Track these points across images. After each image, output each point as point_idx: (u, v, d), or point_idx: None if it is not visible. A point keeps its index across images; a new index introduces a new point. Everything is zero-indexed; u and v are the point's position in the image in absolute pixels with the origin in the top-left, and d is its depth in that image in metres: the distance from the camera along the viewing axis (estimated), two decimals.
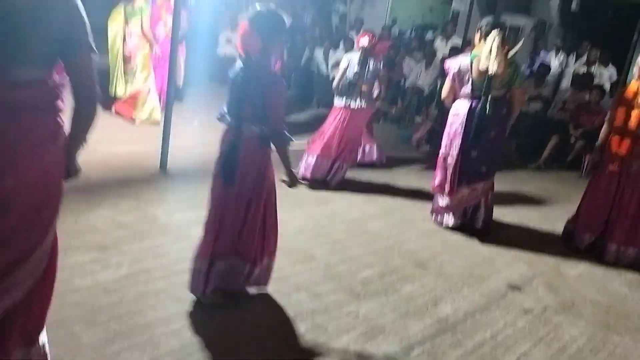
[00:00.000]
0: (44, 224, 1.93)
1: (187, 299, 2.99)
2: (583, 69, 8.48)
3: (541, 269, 4.17)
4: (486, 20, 4.46)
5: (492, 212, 4.80)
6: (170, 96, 5.20)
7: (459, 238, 4.56)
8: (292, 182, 3.01)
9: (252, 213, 2.90)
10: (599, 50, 8.64)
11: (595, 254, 4.54)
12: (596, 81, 7.96)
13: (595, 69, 8.43)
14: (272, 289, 3.23)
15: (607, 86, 7.96)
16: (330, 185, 5.35)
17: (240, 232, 2.93)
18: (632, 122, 4.25)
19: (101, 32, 6.40)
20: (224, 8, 12.04)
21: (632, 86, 4.33)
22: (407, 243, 4.32)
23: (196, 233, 3.81)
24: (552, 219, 5.29)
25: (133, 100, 6.59)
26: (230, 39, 11.54)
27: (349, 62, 5.44)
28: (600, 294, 3.88)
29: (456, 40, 9.41)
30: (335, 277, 3.56)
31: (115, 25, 6.57)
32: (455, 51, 7.95)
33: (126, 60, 6.65)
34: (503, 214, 5.26)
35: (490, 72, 4.19)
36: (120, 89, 6.68)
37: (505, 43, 4.30)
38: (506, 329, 3.23)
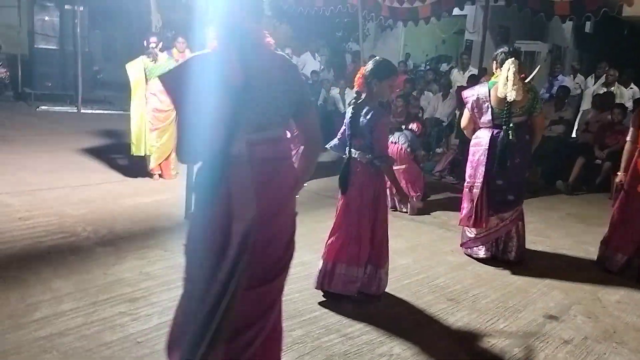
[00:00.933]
0: (288, 258, 2.26)
1: None
2: (603, 90, 8.41)
3: (578, 296, 4.04)
4: (501, 49, 4.48)
5: (525, 241, 4.70)
6: None
7: (490, 269, 4.46)
8: (402, 197, 3.94)
9: (377, 226, 3.61)
10: (617, 69, 8.57)
11: (631, 276, 4.41)
12: (617, 101, 7.87)
13: (615, 88, 8.35)
14: (302, 332, 3.18)
15: (630, 105, 7.86)
16: None
17: (371, 241, 3.60)
18: None
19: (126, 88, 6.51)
20: None
21: None
22: (437, 277, 4.23)
23: None
24: (585, 244, 5.16)
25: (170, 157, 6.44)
26: None
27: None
28: None
29: (473, 71, 9.45)
30: (365, 317, 3.49)
31: (135, 75, 6.37)
32: (473, 79, 7.98)
33: (149, 120, 6.40)
34: (534, 241, 5.16)
35: (509, 99, 4.20)
36: (141, 147, 6.43)
37: (522, 69, 4.31)
38: None
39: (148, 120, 6.41)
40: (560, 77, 9.84)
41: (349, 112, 3.56)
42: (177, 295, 3.51)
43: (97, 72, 17.20)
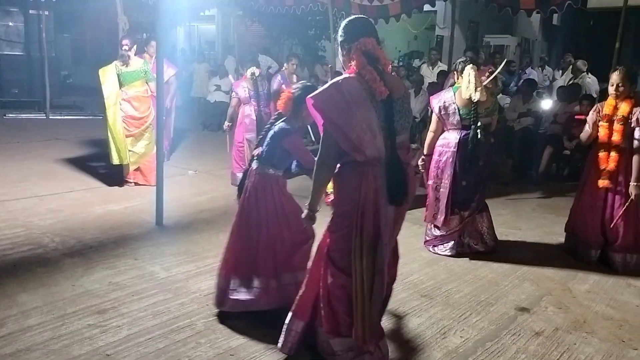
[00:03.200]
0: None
1: (191, 357, 2.93)
2: (570, 81, 8.54)
3: (548, 287, 4.09)
4: (460, 59, 4.77)
5: (494, 231, 4.82)
6: (161, 149, 5.22)
7: (462, 264, 4.50)
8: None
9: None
10: (582, 60, 8.71)
11: (603, 265, 4.52)
12: (585, 92, 7.99)
13: (580, 80, 8.48)
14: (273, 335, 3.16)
15: (596, 95, 8.00)
16: None
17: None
18: (616, 136, 4.35)
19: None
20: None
21: (610, 102, 4.43)
22: (411, 274, 4.25)
23: (196, 286, 3.80)
24: (555, 234, 5.24)
25: (151, 165, 6.19)
26: (219, 85, 11.72)
27: None
28: (612, 308, 3.79)
29: (442, 66, 9.51)
30: None
31: (109, 85, 6.12)
32: (442, 76, 8.03)
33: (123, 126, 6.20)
34: (505, 233, 5.22)
35: (474, 99, 4.42)
36: (123, 155, 6.18)
37: (486, 63, 4.49)
38: (518, 355, 3.15)
39: (124, 127, 6.22)
40: (528, 70, 9.96)
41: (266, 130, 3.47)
42: (148, 305, 3.50)
43: (66, 77, 16.94)
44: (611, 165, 4.39)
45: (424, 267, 4.42)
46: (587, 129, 4.60)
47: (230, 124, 6.81)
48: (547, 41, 13.17)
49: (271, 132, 3.40)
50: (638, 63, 11.44)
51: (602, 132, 4.44)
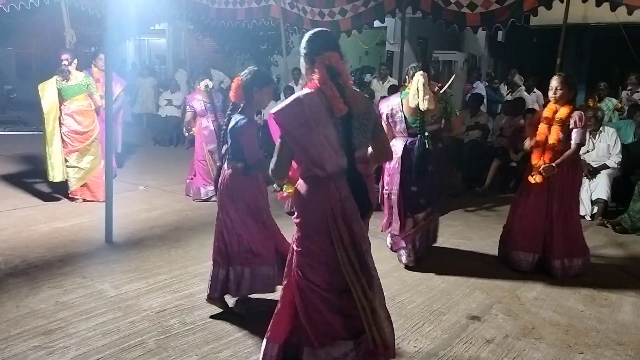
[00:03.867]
0: None
1: None
2: (508, 95, 8.86)
3: (498, 296, 4.19)
4: (412, 64, 4.75)
5: (438, 225, 4.97)
6: (110, 165, 5.10)
7: (415, 275, 4.55)
8: None
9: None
10: (519, 76, 9.06)
11: (546, 273, 4.61)
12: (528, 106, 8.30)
13: (518, 93, 8.81)
14: (230, 352, 3.12)
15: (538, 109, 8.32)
16: None
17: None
18: (553, 137, 4.48)
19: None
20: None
21: (550, 106, 4.55)
22: None
23: (147, 304, 3.72)
24: None
25: (98, 180, 6.13)
26: (170, 100, 11.57)
27: None
28: (558, 314, 3.92)
29: (392, 81, 9.69)
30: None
31: (49, 99, 6.00)
32: (393, 90, 8.18)
33: (66, 142, 6.12)
34: (456, 244, 5.33)
35: (421, 108, 4.44)
36: (59, 172, 6.06)
37: (435, 78, 4.53)
38: None
39: (67, 143, 6.11)
40: (476, 83, 10.27)
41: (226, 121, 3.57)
42: (97, 324, 3.39)
43: (10, 92, 16.36)
44: (541, 162, 4.47)
45: None
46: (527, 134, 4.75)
47: (192, 131, 6.78)
48: (493, 57, 13.63)
49: (230, 127, 3.46)
50: (578, 78, 11.99)
51: (541, 132, 4.53)
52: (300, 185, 2.65)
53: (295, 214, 2.68)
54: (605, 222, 6.17)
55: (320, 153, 2.50)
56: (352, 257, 2.60)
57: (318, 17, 8.52)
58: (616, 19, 6.94)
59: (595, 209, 6.39)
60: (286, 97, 8.25)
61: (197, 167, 6.74)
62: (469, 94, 9.73)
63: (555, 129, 4.45)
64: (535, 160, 4.55)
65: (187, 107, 6.82)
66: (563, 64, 6.66)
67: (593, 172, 6.46)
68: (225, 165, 3.56)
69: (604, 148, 6.54)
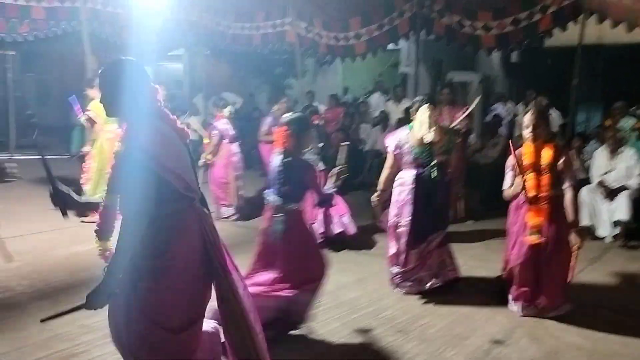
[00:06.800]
0: None
1: None
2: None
3: (521, 320, 4.15)
4: (418, 97, 4.85)
5: (455, 262, 4.78)
6: None
7: (436, 298, 4.52)
8: None
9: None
10: (542, 96, 9.06)
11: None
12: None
13: None
14: None
15: (556, 129, 8.30)
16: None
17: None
18: (546, 188, 4.01)
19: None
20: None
21: (528, 149, 4.06)
22: (385, 309, 4.27)
23: None
24: None
25: None
26: (188, 124, 11.70)
27: None
28: (582, 338, 3.87)
29: (407, 103, 9.74)
30: (314, 355, 3.46)
31: (101, 119, 6.24)
32: (408, 111, 8.22)
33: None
34: (476, 267, 5.29)
35: (426, 141, 4.49)
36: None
37: (452, 101, 4.56)
38: None
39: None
40: (495, 105, 10.30)
41: (278, 168, 3.68)
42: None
43: (30, 116, 16.66)
44: (539, 220, 4.01)
45: (398, 301, 4.45)
46: (508, 182, 4.24)
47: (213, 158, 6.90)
48: (506, 78, 13.64)
49: (289, 170, 3.61)
50: (593, 98, 11.98)
51: (531, 186, 4.01)
52: (172, 218, 2.44)
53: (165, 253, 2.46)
54: (626, 243, 6.10)
55: (189, 177, 2.50)
56: (230, 288, 2.59)
57: (333, 41, 8.64)
58: (632, 39, 6.95)
59: (617, 231, 6.32)
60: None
61: (217, 189, 6.91)
62: (487, 115, 9.75)
63: (546, 177, 3.99)
64: (533, 219, 4.02)
65: (214, 132, 6.92)
66: (578, 84, 6.68)
67: (612, 193, 6.40)
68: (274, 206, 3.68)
69: (623, 169, 6.49)
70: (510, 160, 4.18)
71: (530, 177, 4.00)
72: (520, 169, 4.04)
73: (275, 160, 3.72)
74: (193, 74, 17.84)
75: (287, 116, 3.81)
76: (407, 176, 4.64)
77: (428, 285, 4.62)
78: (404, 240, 4.60)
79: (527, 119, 3.99)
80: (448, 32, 7.76)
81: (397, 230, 4.65)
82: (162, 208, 2.39)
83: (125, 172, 2.36)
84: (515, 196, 4.23)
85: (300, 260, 3.66)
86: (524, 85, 11.47)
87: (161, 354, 2.45)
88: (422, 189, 4.54)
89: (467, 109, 4.88)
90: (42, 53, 15.38)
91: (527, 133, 4.02)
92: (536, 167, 4.01)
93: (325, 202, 3.88)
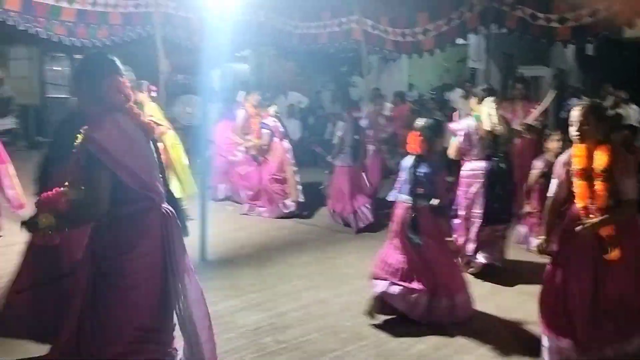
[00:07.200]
0: None
1: None
2: (611, 112, 8.42)
3: None
4: (480, 87, 5.06)
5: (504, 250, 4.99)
6: (205, 185, 5.32)
7: (510, 299, 4.40)
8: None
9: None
10: (621, 90, 8.62)
11: None
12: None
13: (623, 110, 8.37)
14: None
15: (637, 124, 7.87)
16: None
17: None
18: (601, 198, 3.13)
19: None
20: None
21: (578, 151, 3.25)
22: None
23: (242, 321, 3.82)
24: None
25: None
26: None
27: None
28: None
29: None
30: (387, 355, 3.45)
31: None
32: None
33: None
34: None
35: (497, 133, 4.66)
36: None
37: (525, 96, 4.64)
38: None
39: None
40: (571, 100, 9.92)
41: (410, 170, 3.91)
42: None
43: None
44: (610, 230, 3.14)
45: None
46: (554, 189, 3.41)
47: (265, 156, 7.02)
48: (582, 71, 13.07)
49: (425, 172, 3.81)
50: None
51: (582, 194, 3.21)
52: (131, 219, 2.44)
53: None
54: None
55: (148, 174, 2.46)
56: (184, 288, 2.55)
57: (400, 38, 8.54)
58: None
59: None
60: (369, 118, 8.28)
61: (272, 186, 6.93)
62: (563, 111, 9.39)
63: (600, 185, 3.13)
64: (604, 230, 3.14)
65: (264, 130, 6.99)
66: None
67: None
68: (412, 205, 3.83)
69: None
70: (559, 163, 3.43)
71: (581, 184, 3.22)
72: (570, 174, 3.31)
73: (407, 162, 3.94)
74: (259, 74, 18.17)
75: (420, 122, 3.97)
76: (478, 168, 4.76)
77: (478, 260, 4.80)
78: (474, 231, 4.76)
79: (574, 115, 3.24)
80: (520, 25, 7.48)
81: (468, 221, 4.80)
82: (123, 208, 2.41)
83: (82, 166, 2.37)
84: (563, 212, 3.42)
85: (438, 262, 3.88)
86: (600, 78, 10.94)
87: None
88: (492, 180, 4.68)
89: (542, 104, 4.86)
90: (118, 57, 16.11)
91: (573, 131, 3.25)
92: (587, 174, 3.20)
93: (444, 209, 3.98)
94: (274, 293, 4.40)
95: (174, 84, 11.28)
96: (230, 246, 5.66)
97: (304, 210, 7.08)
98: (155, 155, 2.58)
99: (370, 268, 4.97)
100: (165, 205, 2.54)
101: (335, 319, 3.90)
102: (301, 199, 7.05)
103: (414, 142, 3.91)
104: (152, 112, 6.13)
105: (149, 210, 2.47)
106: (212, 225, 5.63)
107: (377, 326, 3.82)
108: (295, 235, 6.25)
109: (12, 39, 9.97)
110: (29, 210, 3.96)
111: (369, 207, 6.44)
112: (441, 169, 4.02)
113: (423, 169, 3.85)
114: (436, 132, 3.94)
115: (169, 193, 2.62)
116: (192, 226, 5.48)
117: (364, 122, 7.62)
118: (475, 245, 4.78)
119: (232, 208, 7.42)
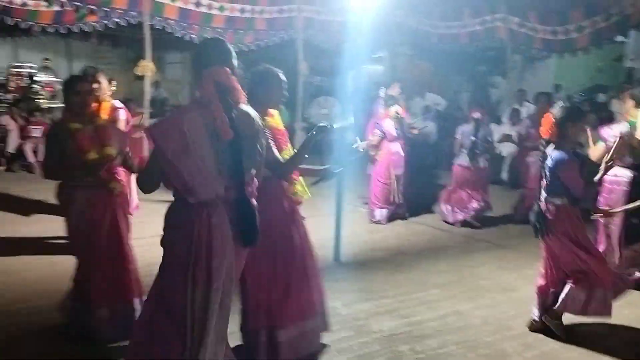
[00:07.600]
0: None
1: None
2: None
3: None
4: (633, 90, 4.59)
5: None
6: (341, 186, 5.34)
7: None
8: None
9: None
10: None
11: None
12: None
13: None
14: None
15: None
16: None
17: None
18: None
19: None
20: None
21: None
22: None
23: (377, 326, 3.76)
24: None
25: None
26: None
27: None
28: None
29: None
30: None
31: None
32: None
33: None
34: None
35: None
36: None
37: None
38: None
39: None
40: None
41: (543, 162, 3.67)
42: (331, 341, 3.50)
43: None
44: None
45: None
46: None
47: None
48: None
49: (547, 163, 3.56)
50: None
51: None
52: (171, 207, 2.45)
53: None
54: None
55: (194, 179, 2.29)
56: (197, 295, 2.35)
57: (550, 36, 8.03)
58: None
59: None
60: (511, 121, 7.98)
61: (376, 190, 6.80)
62: None
63: None
64: None
65: (377, 131, 6.85)
66: None
67: None
68: (544, 201, 3.63)
69: None
70: None
71: None
72: None
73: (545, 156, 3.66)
74: (394, 75, 18.08)
75: (559, 107, 3.71)
76: (622, 175, 4.46)
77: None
78: (615, 240, 4.52)
79: None
80: None
81: (608, 229, 4.58)
82: (174, 199, 2.43)
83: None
84: None
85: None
86: None
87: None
88: (636, 192, 4.32)
89: None
90: (260, 61, 16.92)
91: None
92: None
93: (578, 202, 3.55)
94: (409, 299, 4.29)
95: (310, 86, 11.56)
96: (363, 248, 5.64)
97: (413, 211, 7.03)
98: (218, 158, 2.35)
99: (507, 281, 4.72)
100: (208, 209, 2.36)
101: (475, 333, 3.71)
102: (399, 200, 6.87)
103: (546, 124, 3.62)
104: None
105: (182, 207, 2.39)
106: (344, 226, 5.66)
107: (521, 345, 3.57)
108: (430, 241, 6.08)
109: (167, 44, 10.82)
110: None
111: (480, 205, 6.60)
112: (568, 162, 3.50)
113: (551, 160, 3.54)
114: (570, 117, 3.56)
115: (241, 198, 2.44)
116: (326, 227, 5.64)
117: (524, 124, 7.40)
118: (618, 255, 4.48)
119: (365, 210, 7.40)
